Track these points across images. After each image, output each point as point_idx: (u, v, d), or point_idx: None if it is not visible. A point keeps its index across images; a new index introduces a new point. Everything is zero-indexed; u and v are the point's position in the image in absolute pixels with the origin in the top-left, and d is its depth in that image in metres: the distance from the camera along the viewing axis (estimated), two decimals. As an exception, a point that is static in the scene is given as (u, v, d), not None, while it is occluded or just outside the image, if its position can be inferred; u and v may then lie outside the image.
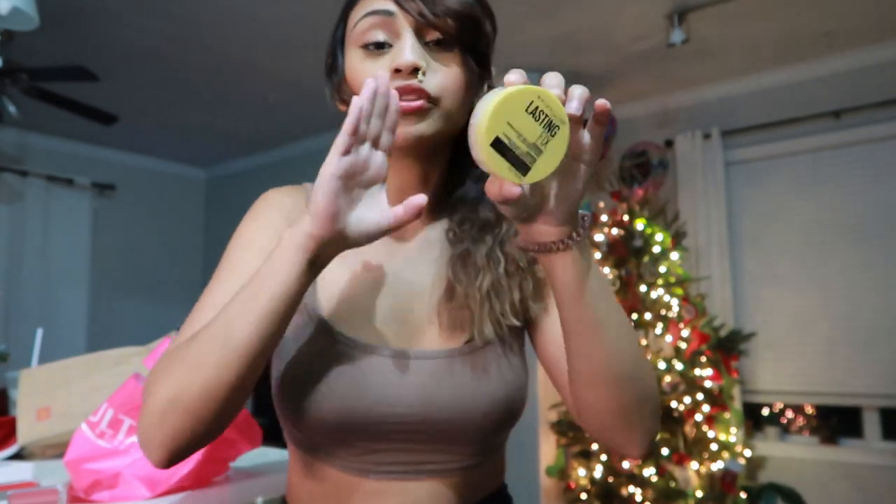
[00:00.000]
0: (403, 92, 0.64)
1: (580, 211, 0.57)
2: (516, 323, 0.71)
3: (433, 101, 0.66)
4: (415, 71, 0.65)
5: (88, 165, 4.59)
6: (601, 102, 0.51)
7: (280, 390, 0.68)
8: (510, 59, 3.18)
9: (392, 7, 0.66)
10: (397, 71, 0.65)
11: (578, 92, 0.51)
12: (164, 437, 0.58)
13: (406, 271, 0.73)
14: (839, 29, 2.92)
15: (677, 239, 3.17)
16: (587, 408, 0.65)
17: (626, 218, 3.14)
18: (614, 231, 3.14)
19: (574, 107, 0.50)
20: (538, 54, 3.15)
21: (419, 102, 0.65)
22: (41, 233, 4.32)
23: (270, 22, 2.84)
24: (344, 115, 0.73)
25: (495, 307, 0.69)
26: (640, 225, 3.11)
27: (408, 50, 0.65)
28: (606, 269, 3.12)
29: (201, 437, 0.60)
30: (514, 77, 0.51)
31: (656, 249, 3.07)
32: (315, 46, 3.37)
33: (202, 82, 3.52)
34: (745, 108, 3.44)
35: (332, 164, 0.56)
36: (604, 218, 3.22)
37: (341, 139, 0.55)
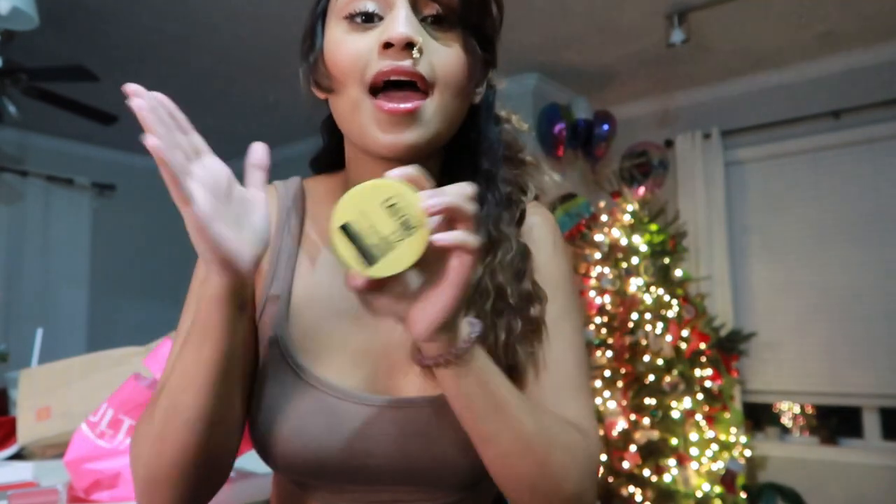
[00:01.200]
0: (394, 73, 0.54)
1: (468, 330, 0.51)
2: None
3: (428, 86, 0.56)
4: (409, 47, 0.54)
5: (88, 165, 4.59)
6: (445, 237, 0.45)
7: (251, 424, 0.63)
8: (511, 59, 3.18)
9: None
10: (387, 46, 0.55)
11: (446, 201, 0.44)
12: None
13: None
14: (839, 29, 2.92)
15: (677, 239, 3.17)
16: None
17: (626, 218, 3.14)
18: (614, 231, 3.14)
19: (431, 215, 0.44)
20: (538, 54, 3.16)
21: (410, 105, 0.55)
22: (41, 233, 4.31)
23: (271, 21, 2.84)
24: (321, 104, 0.65)
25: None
26: (640, 225, 3.10)
27: (401, 22, 0.54)
28: (606, 270, 3.12)
29: (199, 496, 0.59)
30: (395, 173, 0.45)
31: (656, 249, 3.07)
32: (315, 46, 3.35)
33: (202, 82, 3.52)
34: (745, 108, 3.44)
35: (198, 207, 0.45)
36: (604, 218, 3.22)
37: (171, 181, 0.44)
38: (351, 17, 0.57)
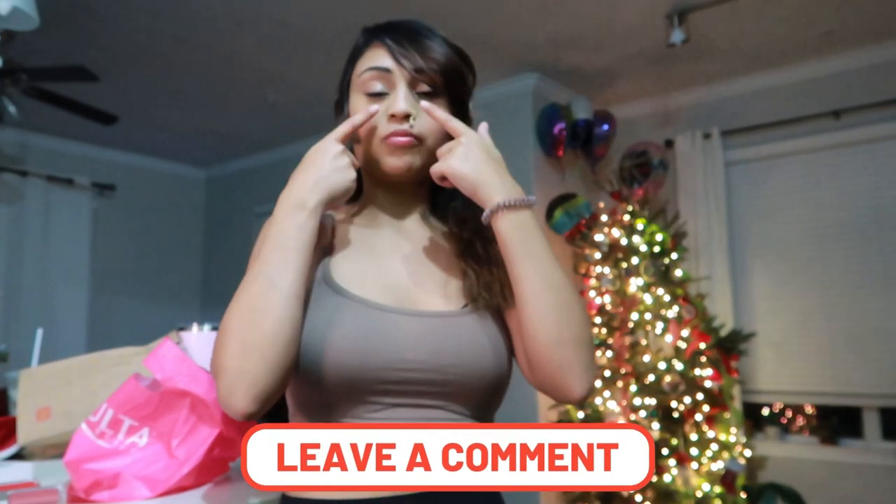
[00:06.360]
0: (396, 134, 0.80)
1: (501, 200, 0.75)
2: (500, 301, 0.82)
3: (419, 139, 0.81)
4: (406, 117, 0.80)
5: (88, 165, 4.59)
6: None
7: (303, 350, 0.75)
8: (511, 59, 3.18)
9: (390, 65, 0.82)
10: (392, 116, 0.80)
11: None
12: (247, 386, 0.68)
13: (409, 257, 0.87)
14: (839, 29, 2.92)
15: (677, 239, 3.17)
16: (535, 356, 0.76)
17: (626, 218, 3.14)
18: (614, 231, 3.13)
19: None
20: (538, 53, 3.15)
21: (408, 139, 0.80)
22: (41, 233, 4.31)
23: (271, 22, 2.84)
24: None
25: (483, 280, 0.82)
26: (640, 225, 3.10)
27: (401, 101, 0.80)
28: (606, 270, 3.12)
29: (275, 388, 0.71)
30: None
31: (656, 249, 3.07)
32: (315, 47, 3.36)
33: (202, 82, 3.52)
34: (745, 108, 3.44)
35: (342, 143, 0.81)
36: (604, 218, 3.22)
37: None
38: (367, 94, 0.83)
